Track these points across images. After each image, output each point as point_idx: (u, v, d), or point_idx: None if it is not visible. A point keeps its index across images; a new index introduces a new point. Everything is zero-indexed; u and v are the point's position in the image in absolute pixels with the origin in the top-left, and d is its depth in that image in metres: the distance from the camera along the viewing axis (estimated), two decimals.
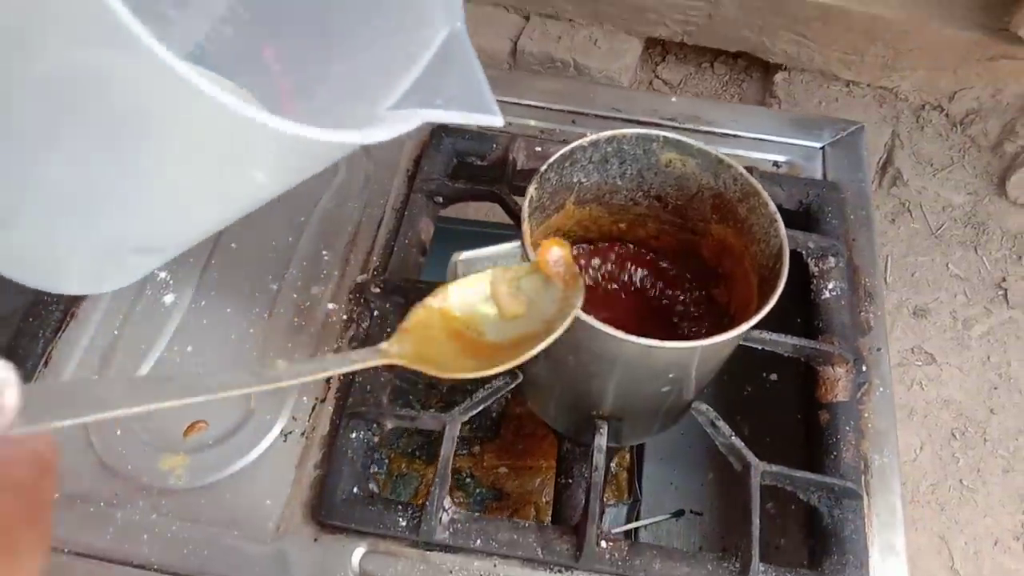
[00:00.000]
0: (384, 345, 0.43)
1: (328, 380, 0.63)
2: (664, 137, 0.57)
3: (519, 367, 0.61)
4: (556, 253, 0.50)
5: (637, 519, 0.78)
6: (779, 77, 1.64)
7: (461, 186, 0.73)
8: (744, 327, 0.48)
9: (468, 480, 0.81)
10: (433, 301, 0.47)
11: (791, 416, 0.71)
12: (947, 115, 1.58)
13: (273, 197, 0.46)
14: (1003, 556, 1.15)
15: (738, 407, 0.65)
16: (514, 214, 0.71)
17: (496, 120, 0.44)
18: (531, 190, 0.54)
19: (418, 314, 0.46)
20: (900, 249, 1.43)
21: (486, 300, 0.48)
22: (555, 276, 0.49)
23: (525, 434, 0.84)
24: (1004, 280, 1.41)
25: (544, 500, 0.80)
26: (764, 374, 0.81)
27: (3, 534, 0.20)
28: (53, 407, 0.24)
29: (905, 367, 1.28)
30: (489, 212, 1.11)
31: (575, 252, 0.61)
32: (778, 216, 0.54)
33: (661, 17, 1.61)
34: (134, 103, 0.35)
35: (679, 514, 0.78)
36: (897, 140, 1.54)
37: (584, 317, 0.47)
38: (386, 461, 0.82)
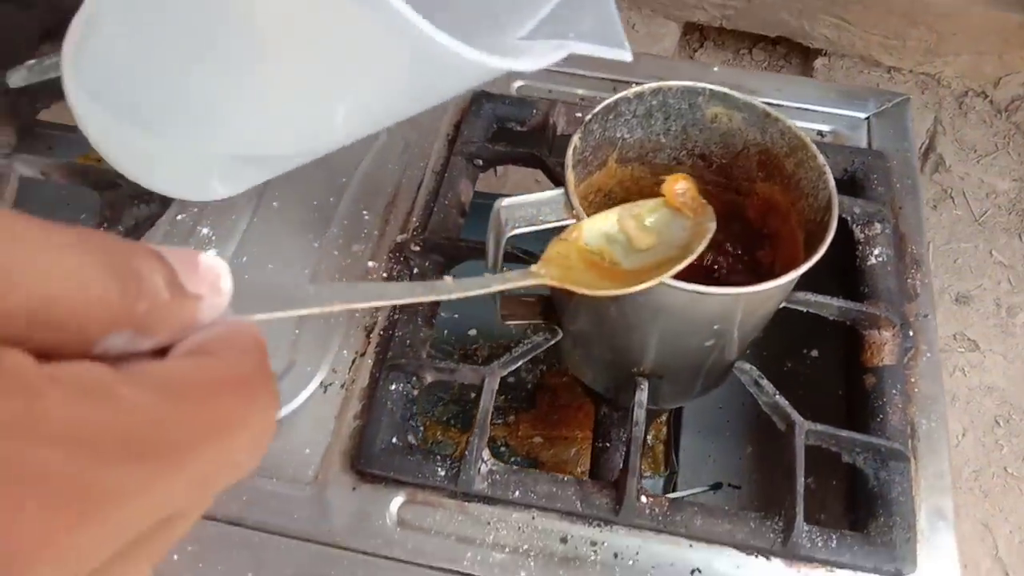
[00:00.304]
0: (534, 268, 0.45)
1: (368, 335, 0.63)
2: (710, 90, 0.57)
3: (559, 323, 0.61)
4: (682, 186, 0.51)
5: (674, 491, 0.77)
6: (819, 63, 1.61)
7: (501, 149, 0.73)
8: (794, 274, 0.47)
9: (503, 449, 0.81)
10: (567, 236, 0.48)
11: (832, 395, 0.69)
12: (991, 102, 1.54)
13: (391, 123, 0.46)
14: None
15: (779, 383, 0.64)
16: (555, 176, 0.71)
17: (626, 55, 0.44)
18: (575, 139, 0.53)
19: (556, 247, 0.47)
20: (942, 236, 1.40)
21: (617, 234, 0.49)
22: (683, 207, 0.51)
23: (560, 405, 0.83)
24: None
25: (579, 470, 0.79)
26: (805, 351, 0.79)
27: (243, 387, 0.22)
28: (256, 300, 0.26)
29: (947, 353, 1.25)
30: (527, 190, 1.10)
31: None
32: (827, 168, 0.53)
33: (699, 1, 1.59)
34: (289, 13, 0.35)
35: (717, 487, 0.76)
36: (939, 126, 1.51)
37: None
38: (421, 428, 0.82)
